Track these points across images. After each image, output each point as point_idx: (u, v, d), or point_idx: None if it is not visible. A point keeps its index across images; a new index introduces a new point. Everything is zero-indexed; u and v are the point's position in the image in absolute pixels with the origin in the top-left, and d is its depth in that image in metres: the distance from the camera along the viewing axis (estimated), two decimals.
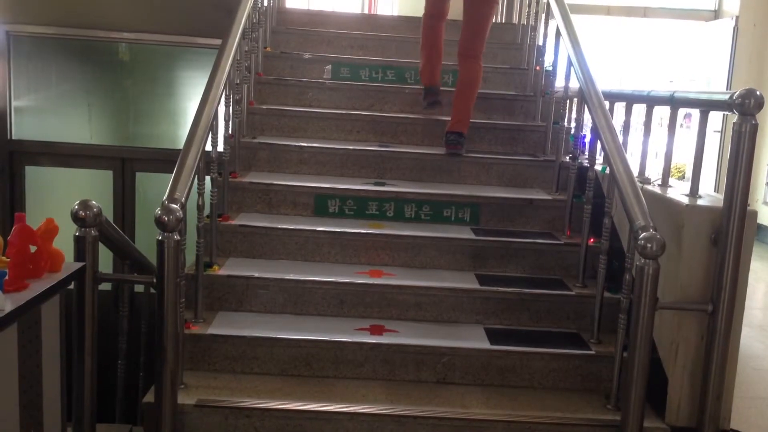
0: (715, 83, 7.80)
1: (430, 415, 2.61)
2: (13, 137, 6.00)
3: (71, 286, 2.24)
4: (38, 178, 6.15)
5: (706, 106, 2.86)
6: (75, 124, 6.25)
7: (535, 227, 3.60)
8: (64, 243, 2.20)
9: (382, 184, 3.72)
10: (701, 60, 8.21)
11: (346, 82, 4.50)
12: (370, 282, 3.13)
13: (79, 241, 2.32)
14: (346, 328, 2.96)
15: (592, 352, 2.88)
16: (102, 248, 2.44)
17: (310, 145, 3.91)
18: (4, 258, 2.05)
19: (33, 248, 2.06)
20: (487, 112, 4.34)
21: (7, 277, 1.93)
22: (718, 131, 7.30)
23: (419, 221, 3.59)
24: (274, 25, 4.91)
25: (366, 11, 8.53)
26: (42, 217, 2.19)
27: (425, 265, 3.37)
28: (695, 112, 3.03)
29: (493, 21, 5.77)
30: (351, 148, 3.92)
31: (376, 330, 2.96)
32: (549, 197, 3.67)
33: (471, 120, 4.01)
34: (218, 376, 2.79)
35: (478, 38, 3.98)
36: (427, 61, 4.24)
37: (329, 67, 4.62)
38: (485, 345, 2.89)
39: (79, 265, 2.26)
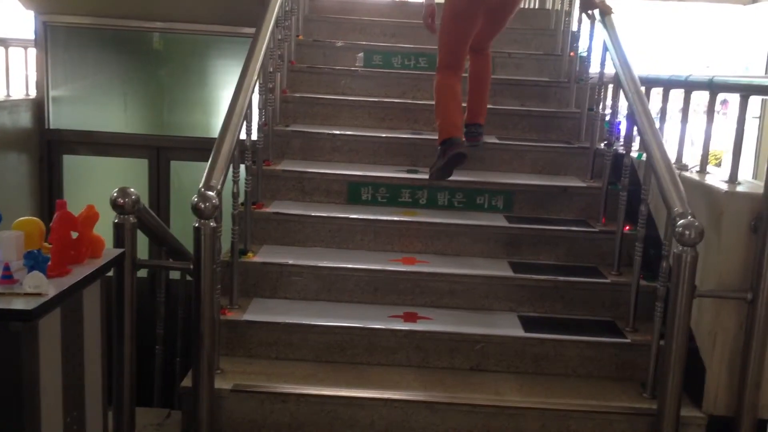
0: (753, 68, 7.65)
1: (464, 402, 2.62)
2: (51, 126, 6.11)
3: (110, 273, 2.28)
4: (75, 167, 6.26)
5: (746, 91, 2.80)
6: (111, 113, 6.35)
7: (569, 215, 3.57)
8: (100, 230, 2.23)
9: (415, 172, 3.72)
10: (739, 45, 8.05)
11: (379, 70, 4.49)
12: (404, 269, 3.13)
13: (118, 228, 2.35)
14: (380, 315, 2.97)
15: (628, 341, 2.86)
16: (138, 235, 2.47)
17: (342, 132, 3.92)
18: (46, 244, 2.09)
19: (74, 234, 2.09)
20: (521, 99, 4.30)
21: (50, 263, 1.97)
22: (757, 117, 7.17)
23: (452, 209, 3.58)
24: (307, 13, 4.92)
25: None
26: (79, 205, 2.20)
27: (458, 252, 3.36)
28: (733, 98, 2.98)
29: (527, 6, 5.73)
30: (384, 135, 3.92)
31: (410, 317, 2.97)
32: (583, 184, 3.63)
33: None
34: (254, 361, 2.82)
35: (496, 37, 3.84)
36: (447, 113, 3.48)
37: (361, 54, 4.61)
38: (519, 332, 2.88)
39: (119, 251, 2.29)
